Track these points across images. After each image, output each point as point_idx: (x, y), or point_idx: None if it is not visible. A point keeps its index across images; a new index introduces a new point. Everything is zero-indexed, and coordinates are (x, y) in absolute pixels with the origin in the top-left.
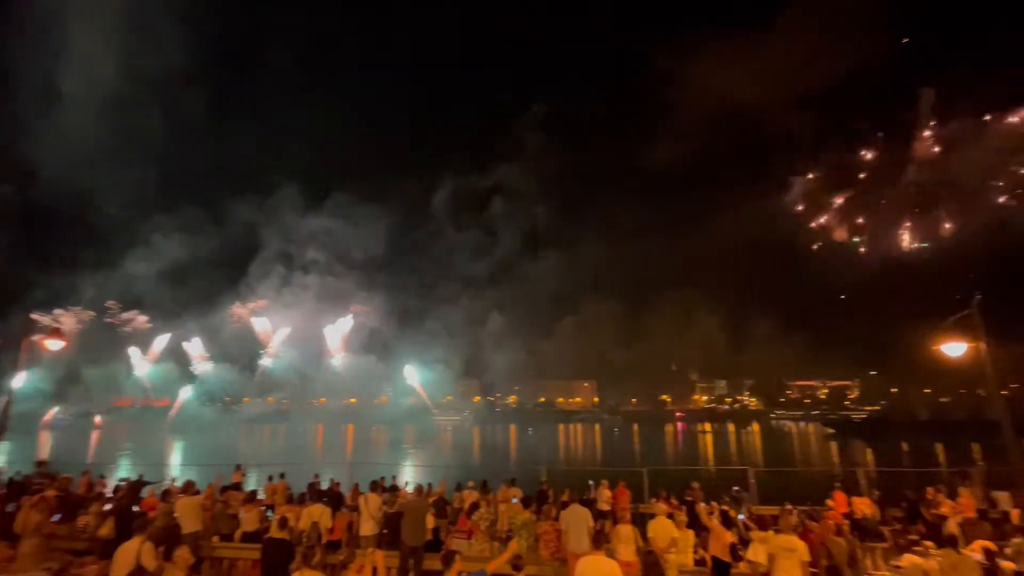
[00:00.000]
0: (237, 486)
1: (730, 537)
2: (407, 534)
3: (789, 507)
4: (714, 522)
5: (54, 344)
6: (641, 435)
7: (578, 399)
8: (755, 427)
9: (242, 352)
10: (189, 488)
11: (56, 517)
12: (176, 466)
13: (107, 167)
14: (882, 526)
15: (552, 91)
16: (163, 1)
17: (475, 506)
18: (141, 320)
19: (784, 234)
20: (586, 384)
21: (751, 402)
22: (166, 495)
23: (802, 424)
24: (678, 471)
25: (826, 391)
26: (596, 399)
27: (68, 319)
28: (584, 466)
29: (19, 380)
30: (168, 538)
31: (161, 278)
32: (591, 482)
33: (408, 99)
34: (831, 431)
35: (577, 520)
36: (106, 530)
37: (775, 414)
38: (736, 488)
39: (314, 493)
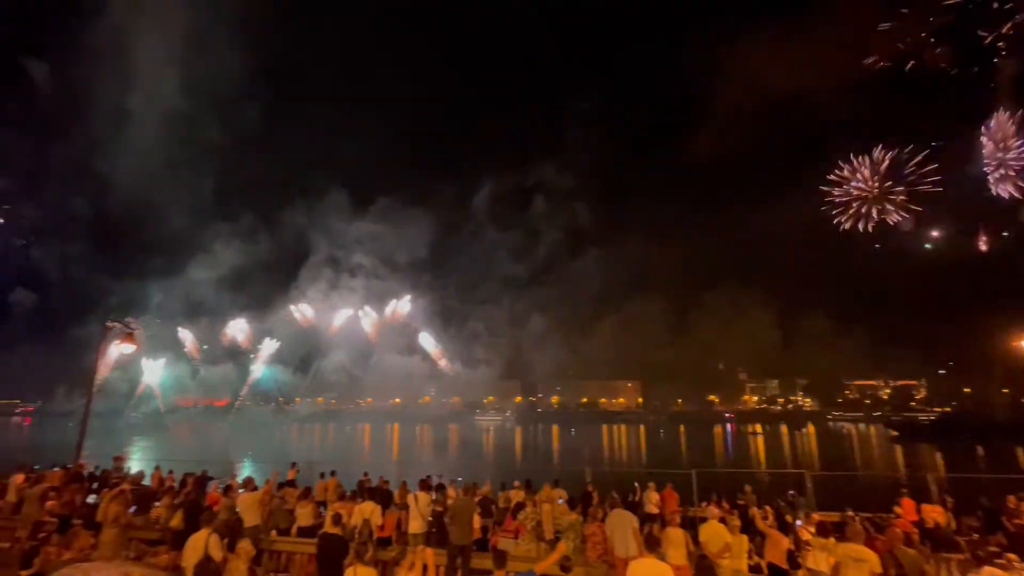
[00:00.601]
0: (292, 483)
1: (787, 543)
2: (455, 533)
3: (851, 514)
4: (770, 527)
5: (127, 348)
6: (688, 437)
7: (621, 400)
8: (810, 429)
9: (293, 354)
10: (249, 484)
11: (132, 509)
12: (235, 463)
13: (170, 180)
14: (957, 536)
15: (593, 87)
16: (219, 18)
17: (520, 506)
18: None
19: (838, 225)
20: (629, 384)
21: (805, 403)
22: (227, 490)
23: (862, 426)
24: (728, 474)
25: (888, 391)
26: (640, 400)
27: (137, 325)
28: (629, 468)
29: (99, 381)
30: (231, 531)
31: (221, 283)
32: (636, 484)
33: (449, 101)
34: (895, 433)
35: (622, 524)
36: (176, 521)
37: (832, 415)
38: (791, 492)
39: (364, 491)
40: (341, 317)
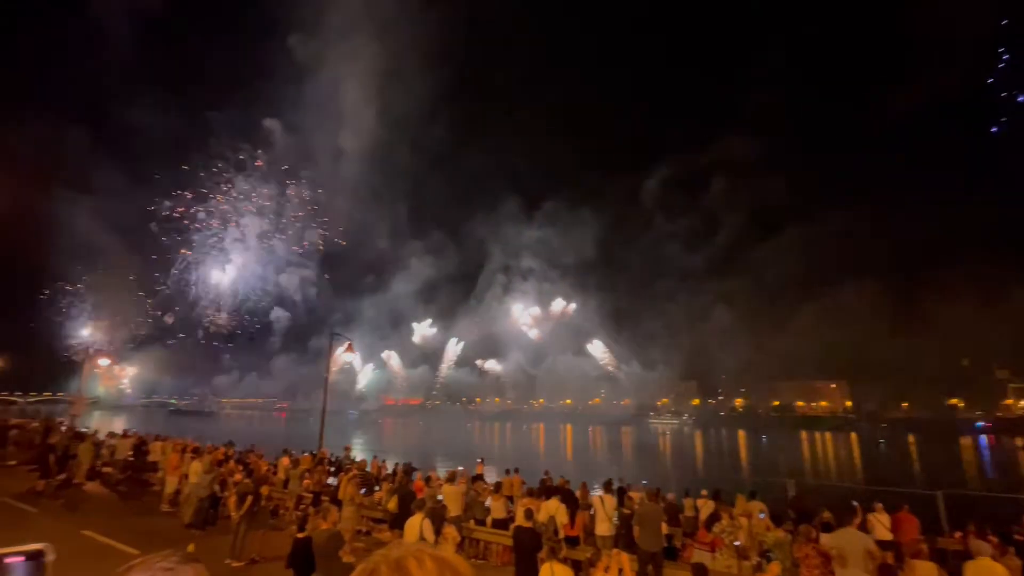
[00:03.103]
0: (480, 477)
1: None
2: (643, 539)
3: None
4: None
5: (348, 356)
6: (921, 449)
7: (823, 402)
8: None
9: (474, 357)
10: (454, 477)
11: (363, 491)
12: (431, 456)
13: (375, 205)
14: None
15: (779, 39)
16: (406, 47)
17: (715, 517)
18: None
19: None
20: (833, 385)
21: None
22: (429, 481)
23: None
24: (990, 498)
25: None
26: (848, 403)
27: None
28: (840, 482)
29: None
30: (439, 518)
31: (417, 295)
32: (856, 503)
33: (614, 85)
34: None
35: (854, 548)
36: (392, 505)
37: None
38: None
39: (547, 489)
40: (515, 321)
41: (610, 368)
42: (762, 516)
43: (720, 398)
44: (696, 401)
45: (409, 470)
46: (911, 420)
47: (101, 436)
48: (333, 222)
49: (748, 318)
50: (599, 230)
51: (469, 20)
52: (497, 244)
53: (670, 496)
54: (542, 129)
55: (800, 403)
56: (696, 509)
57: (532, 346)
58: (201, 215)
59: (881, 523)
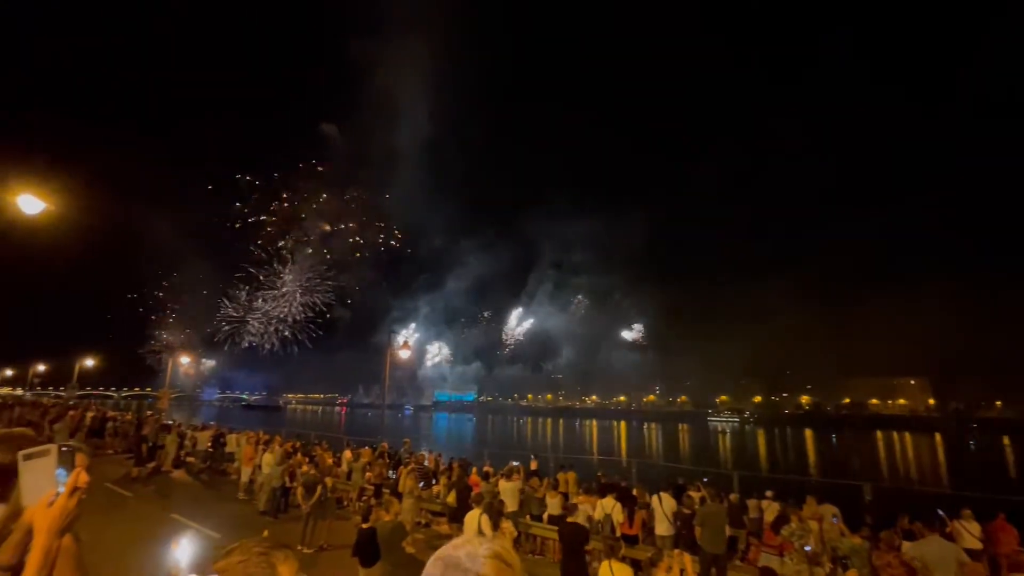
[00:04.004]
0: (535, 473)
1: None
2: (706, 541)
3: None
4: None
5: (404, 354)
6: (1018, 451)
7: (902, 400)
8: None
9: (526, 353)
10: (511, 473)
11: (421, 484)
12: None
13: (429, 204)
14: None
15: (834, 27)
16: (453, 46)
17: (783, 519)
18: None
19: None
20: (913, 382)
21: None
22: (486, 476)
23: None
24: None
25: None
26: (932, 401)
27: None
28: (923, 486)
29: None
30: (496, 513)
31: (469, 292)
32: (941, 512)
33: (657, 79)
34: None
35: (941, 558)
36: (451, 499)
37: None
38: None
39: (602, 486)
40: (563, 316)
41: (652, 358)
42: (835, 520)
43: (784, 395)
44: (758, 398)
45: (465, 465)
46: (1006, 420)
47: (184, 429)
48: (390, 221)
49: (816, 311)
50: (655, 223)
51: (517, 16)
52: (546, 240)
53: (732, 496)
54: (590, 122)
55: (875, 400)
56: (760, 510)
57: (585, 342)
58: (269, 218)
59: (969, 531)
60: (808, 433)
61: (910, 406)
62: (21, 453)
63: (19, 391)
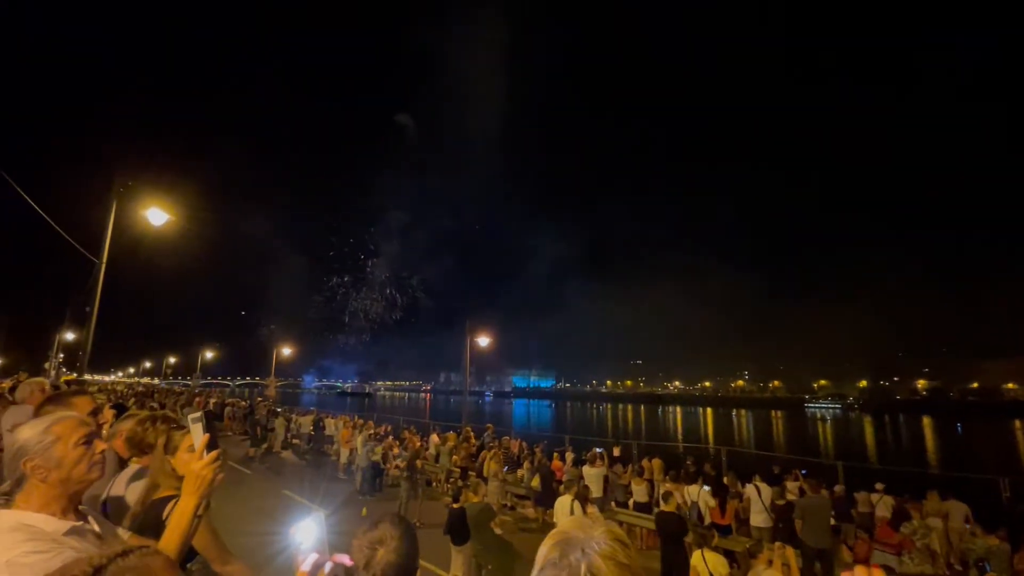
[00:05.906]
0: (619, 460)
1: None
2: (809, 535)
3: None
4: None
5: (483, 341)
6: None
7: None
8: None
9: (603, 338)
10: (595, 459)
11: (505, 468)
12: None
13: (502, 197)
14: None
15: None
16: (525, 26)
17: (902, 515)
18: None
19: None
20: None
21: None
22: (577, 463)
23: None
24: None
25: None
26: None
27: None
28: None
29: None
30: (583, 498)
31: (548, 280)
32: None
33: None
34: None
35: None
36: (535, 483)
37: None
38: None
39: (689, 474)
40: (647, 300)
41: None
42: (964, 519)
43: (895, 379)
44: (863, 383)
45: (548, 450)
46: None
47: (288, 414)
48: (469, 210)
49: (938, 286)
50: (740, 198)
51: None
52: (634, 223)
53: (837, 488)
54: (681, 106)
55: (1010, 384)
56: (871, 504)
57: (663, 327)
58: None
59: None
60: (926, 421)
61: None
62: (189, 416)
63: (156, 380)
